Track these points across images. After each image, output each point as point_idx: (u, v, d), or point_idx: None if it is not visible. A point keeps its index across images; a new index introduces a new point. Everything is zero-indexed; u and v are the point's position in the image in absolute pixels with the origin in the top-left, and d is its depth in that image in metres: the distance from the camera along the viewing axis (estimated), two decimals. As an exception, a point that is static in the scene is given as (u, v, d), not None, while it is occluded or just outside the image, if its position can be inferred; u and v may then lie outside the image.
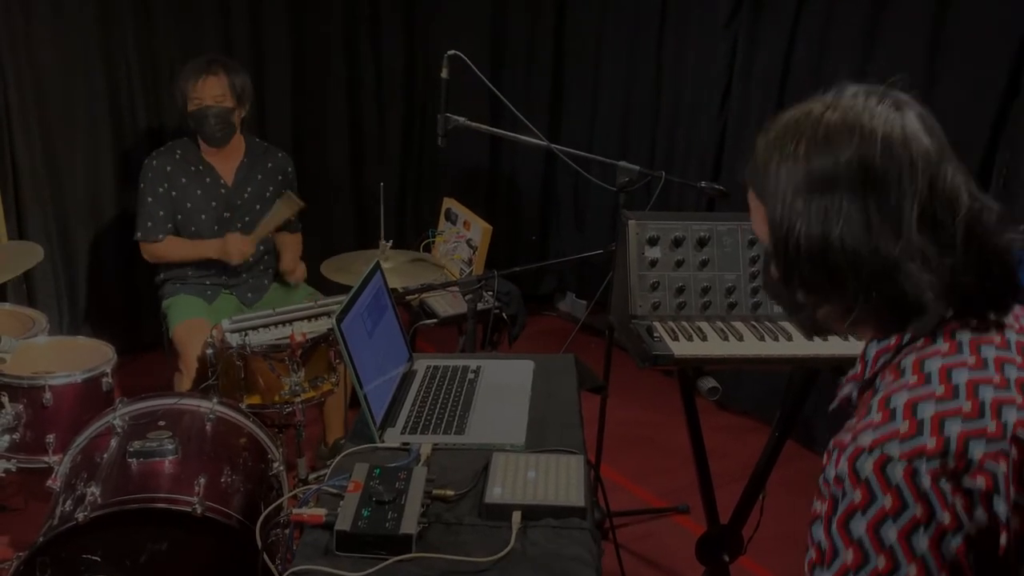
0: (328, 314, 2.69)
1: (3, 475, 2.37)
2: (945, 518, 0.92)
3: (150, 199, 3.14)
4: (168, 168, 3.16)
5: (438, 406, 1.88)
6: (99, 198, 3.72)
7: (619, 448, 3.28)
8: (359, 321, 1.81)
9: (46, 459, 2.40)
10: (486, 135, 2.84)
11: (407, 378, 2.00)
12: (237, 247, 3.12)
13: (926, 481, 0.92)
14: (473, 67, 2.63)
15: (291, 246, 3.40)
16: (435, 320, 3.16)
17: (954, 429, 0.94)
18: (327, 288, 3.12)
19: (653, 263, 2.06)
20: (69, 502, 1.94)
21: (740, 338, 1.99)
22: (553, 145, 2.75)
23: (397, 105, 4.42)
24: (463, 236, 3.48)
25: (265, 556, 1.57)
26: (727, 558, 2.38)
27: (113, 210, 3.72)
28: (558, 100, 4.60)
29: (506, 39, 4.49)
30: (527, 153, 4.56)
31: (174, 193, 3.15)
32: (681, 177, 3.09)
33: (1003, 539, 0.94)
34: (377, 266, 2.01)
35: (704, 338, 1.97)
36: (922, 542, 0.92)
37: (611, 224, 3.93)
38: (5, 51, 3.34)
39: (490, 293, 2.85)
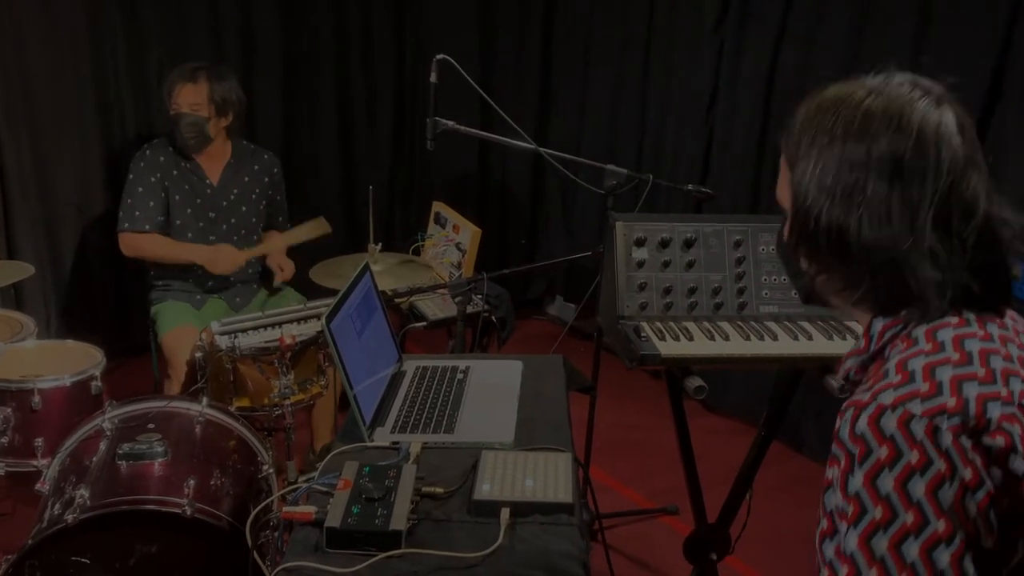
0: (317, 317, 2.70)
1: (-8, 479, 2.36)
2: (967, 474, 0.95)
3: (140, 188, 3.12)
4: (161, 159, 3.16)
5: (427, 406, 1.89)
6: (87, 202, 3.71)
7: (608, 450, 3.29)
8: (348, 321, 1.81)
9: (35, 463, 2.39)
10: (475, 139, 2.86)
11: (396, 378, 2.01)
12: (227, 258, 3.11)
13: (947, 438, 0.95)
14: (462, 71, 2.65)
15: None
16: (424, 323, 3.16)
17: (972, 391, 0.98)
18: (316, 292, 3.11)
19: (640, 264, 2.08)
20: (58, 505, 1.94)
21: (726, 338, 2.00)
22: (541, 149, 2.76)
23: (386, 109, 4.44)
24: (452, 239, 3.49)
25: (255, 554, 1.57)
26: (715, 557, 2.39)
27: (101, 214, 3.72)
28: (547, 104, 4.63)
29: (495, 43, 4.52)
30: (516, 157, 4.58)
31: (166, 183, 3.15)
32: (669, 180, 3.11)
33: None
34: (366, 267, 2.02)
35: (691, 338, 1.99)
36: (948, 497, 0.94)
37: (599, 228, 3.95)
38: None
39: (479, 296, 2.86)
